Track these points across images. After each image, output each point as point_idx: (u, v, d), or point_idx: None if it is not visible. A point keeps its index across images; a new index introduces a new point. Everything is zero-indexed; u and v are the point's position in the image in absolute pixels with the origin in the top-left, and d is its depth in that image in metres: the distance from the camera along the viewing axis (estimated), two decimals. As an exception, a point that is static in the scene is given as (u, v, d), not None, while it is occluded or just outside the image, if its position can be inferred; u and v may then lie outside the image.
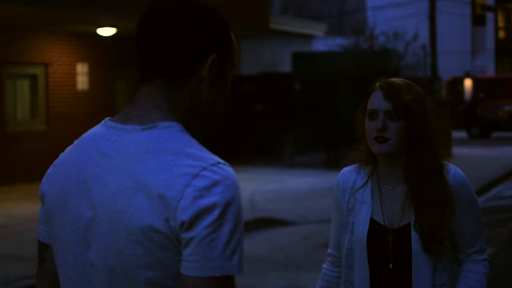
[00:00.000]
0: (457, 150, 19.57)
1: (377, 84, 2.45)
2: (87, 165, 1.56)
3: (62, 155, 1.65)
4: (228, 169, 1.49)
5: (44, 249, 1.70)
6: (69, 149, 1.65)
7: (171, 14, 1.57)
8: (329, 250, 2.69)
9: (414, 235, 2.38)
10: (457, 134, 24.42)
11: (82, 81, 14.65)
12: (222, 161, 1.50)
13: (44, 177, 1.67)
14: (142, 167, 1.48)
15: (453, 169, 2.45)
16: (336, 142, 15.84)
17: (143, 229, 1.45)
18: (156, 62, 1.58)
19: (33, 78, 13.86)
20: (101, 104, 14.91)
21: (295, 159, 16.52)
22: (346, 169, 2.61)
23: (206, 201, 1.42)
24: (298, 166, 16.23)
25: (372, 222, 2.45)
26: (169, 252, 1.45)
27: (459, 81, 32.83)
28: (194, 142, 1.54)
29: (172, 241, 1.44)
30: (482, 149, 21.14)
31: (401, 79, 2.47)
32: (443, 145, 2.51)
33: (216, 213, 1.42)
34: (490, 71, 36.34)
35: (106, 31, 13.27)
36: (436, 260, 2.38)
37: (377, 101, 2.41)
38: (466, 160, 17.45)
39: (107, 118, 1.62)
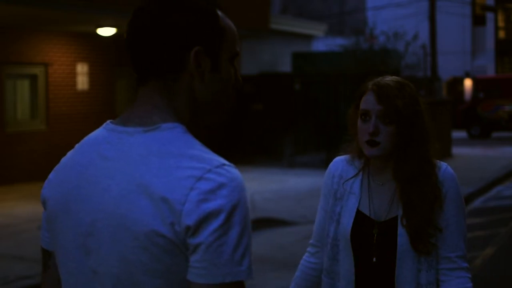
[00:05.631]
0: (457, 150, 19.56)
1: (369, 85, 2.43)
2: (88, 169, 1.51)
3: (63, 159, 1.60)
4: (234, 171, 1.43)
5: (47, 256, 1.65)
6: (70, 153, 1.60)
7: (151, 13, 1.53)
8: (310, 240, 2.68)
9: (400, 229, 2.37)
10: (457, 134, 24.41)
11: (82, 81, 14.65)
12: (227, 162, 1.45)
13: (46, 182, 1.61)
14: (145, 169, 1.43)
15: (444, 166, 2.45)
16: (336, 142, 15.78)
17: (148, 234, 1.39)
18: (145, 63, 1.54)
19: (33, 78, 13.86)
20: (101, 104, 14.91)
21: (295, 159, 16.51)
22: (338, 158, 2.61)
23: (211, 205, 1.37)
24: (298, 166, 16.22)
25: (358, 214, 2.45)
26: (175, 257, 1.39)
27: (459, 81, 32.81)
28: (197, 144, 1.48)
29: (178, 246, 1.39)
30: (482, 149, 21.13)
31: (393, 79, 2.43)
32: (437, 144, 2.49)
33: (222, 217, 1.37)
34: (490, 71, 36.34)
35: (106, 31, 13.27)
36: (422, 258, 2.36)
37: (369, 103, 2.40)
38: (466, 160, 17.46)
39: (108, 121, 1.57)
